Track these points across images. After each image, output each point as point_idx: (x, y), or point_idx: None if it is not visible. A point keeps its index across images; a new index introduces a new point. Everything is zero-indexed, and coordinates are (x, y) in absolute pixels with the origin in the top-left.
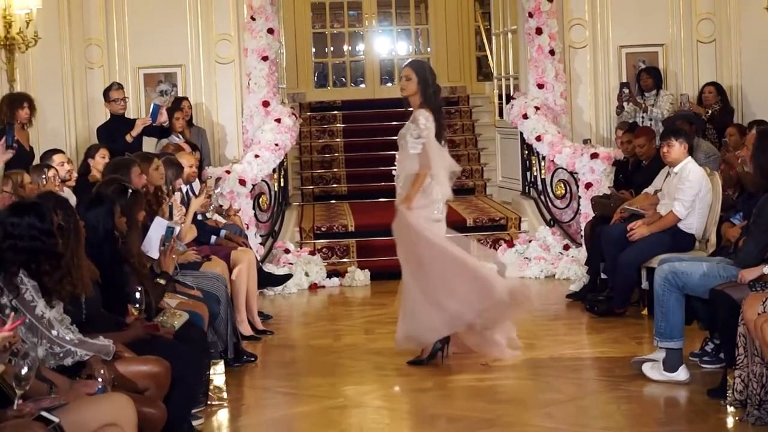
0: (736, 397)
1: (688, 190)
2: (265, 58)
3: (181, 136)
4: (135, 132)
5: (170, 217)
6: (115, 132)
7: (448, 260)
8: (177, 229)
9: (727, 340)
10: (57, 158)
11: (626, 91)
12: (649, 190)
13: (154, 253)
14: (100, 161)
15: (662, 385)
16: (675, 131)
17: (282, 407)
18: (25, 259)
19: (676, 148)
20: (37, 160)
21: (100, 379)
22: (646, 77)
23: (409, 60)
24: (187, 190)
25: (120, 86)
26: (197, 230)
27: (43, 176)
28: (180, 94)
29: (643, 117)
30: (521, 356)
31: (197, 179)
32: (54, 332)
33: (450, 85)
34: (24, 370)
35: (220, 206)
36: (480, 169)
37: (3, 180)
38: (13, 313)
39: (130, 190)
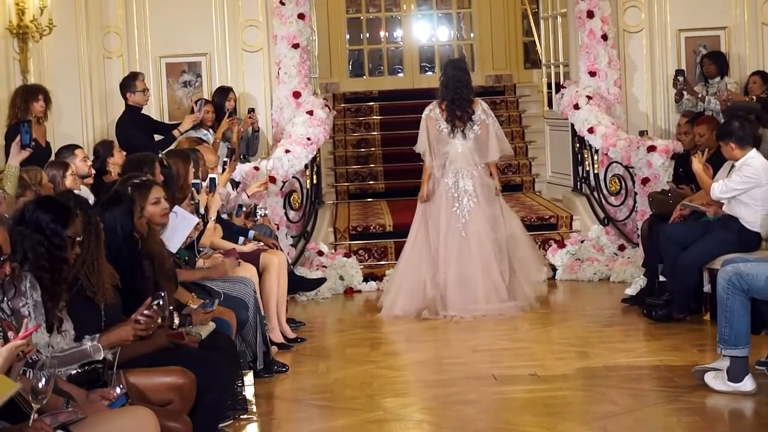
0: None
1: (736, 179)
2: (295, 46)
3: (211, 131)
4: (184, 127)
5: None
6: (139, 127)
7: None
8: (195, 221)
9: None
10: (80, 153)
11: (681, 79)
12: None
13: (174, 246)
14: (119, 157)
15: (726, 396)
16: (721, 133)
17: (316, 421)
18: (28, 246)
19: (725, 150)
20: (53, 157)
21: (118, 389)
22: (708, 63)
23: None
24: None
25: (144, 76)
26: (223, 230)
27: (62, 173)
28: (205, 85)
29: (704, 108)
30: (573, 366)
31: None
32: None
33: (495, 73)
34: (41, 383)
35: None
36: (528, 164)
37: (21, 187)
38: (26, 320)
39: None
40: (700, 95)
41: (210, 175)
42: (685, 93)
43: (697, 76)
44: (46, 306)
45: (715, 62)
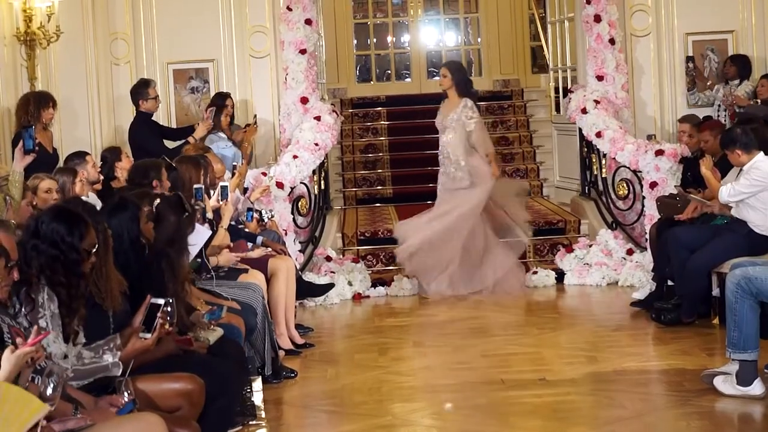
0: None
1: (744, 182)
2: (303, 51)
3: (223, 135)
4: (198, 134)
5: (203, 222)
6: (152, 132)
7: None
8: (207, 234)
9: None
10: (90, 159)
11: (690, 65)
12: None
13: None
14: (127, 162)
15: (736, 400)
16: (725, 143)
17: (324, 426)
18: (44, 262)
19: (732, 158)
20: (61, 164)
21: (126, 395)
22: (729, 65)
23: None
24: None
25: (155, 83)
26: (231, 236)
27: (72, 180)
28: (212, 91)
29: (713, 97)
30: (582, 370)
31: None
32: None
33: (502, 78)
34: (49, 390)
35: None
36: (535, 169)
37: (24, 193)
38: (35, 327)
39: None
40: (709, 82)
41: (221, 184)
42: (697, 81)
43: (705, 76)
44: (63, 319)
45: (737, 65)
